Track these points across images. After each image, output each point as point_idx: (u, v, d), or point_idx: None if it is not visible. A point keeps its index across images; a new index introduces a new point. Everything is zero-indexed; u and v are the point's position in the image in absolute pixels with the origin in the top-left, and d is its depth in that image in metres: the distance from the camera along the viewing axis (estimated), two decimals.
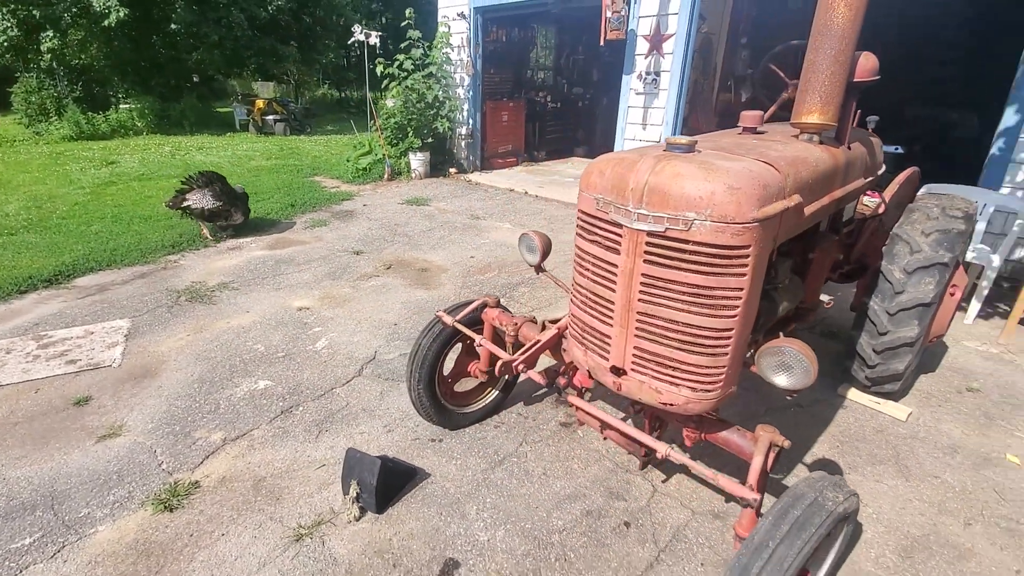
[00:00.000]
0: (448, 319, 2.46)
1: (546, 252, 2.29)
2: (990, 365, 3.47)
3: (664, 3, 6.30)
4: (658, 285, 1.47)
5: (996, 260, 3.89)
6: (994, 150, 4.63)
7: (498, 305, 2.56)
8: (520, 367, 2.05)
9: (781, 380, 1.49)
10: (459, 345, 2.71)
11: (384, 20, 22.45)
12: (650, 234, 1.43)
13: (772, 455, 1.60)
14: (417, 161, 8.60)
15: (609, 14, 6.32)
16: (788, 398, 1.59)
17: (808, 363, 1.43)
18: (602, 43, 6.64)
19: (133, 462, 2.55)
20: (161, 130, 14.45)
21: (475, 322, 2.57)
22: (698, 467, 1.65)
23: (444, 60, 8.47)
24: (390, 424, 2.89)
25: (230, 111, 16.65)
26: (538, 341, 2.13)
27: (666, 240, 1.41)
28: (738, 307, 1.42)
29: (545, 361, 2.57)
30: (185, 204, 5.44)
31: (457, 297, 4.49)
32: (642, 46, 6.60)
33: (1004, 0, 5.82)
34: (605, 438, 2.56)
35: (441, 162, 9.13)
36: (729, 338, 1.47)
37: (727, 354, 1.49)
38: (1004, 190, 4.57)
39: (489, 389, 2.92)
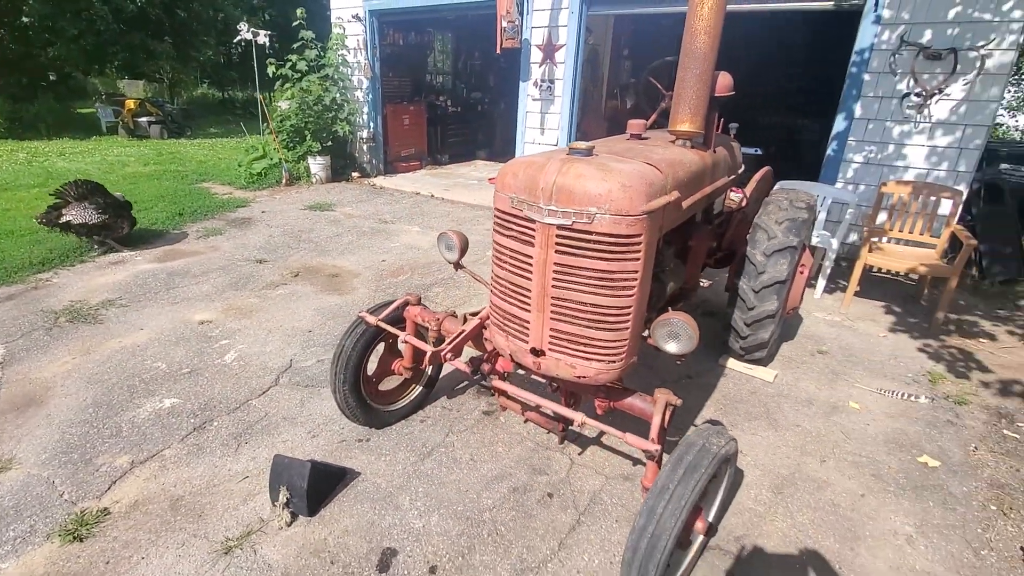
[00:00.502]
0: (371, 319, 2.53)
1: (464, 249, 2.45)
2: (834, 331, 4.16)
3: (554, 15, 6.70)
4: (568, 272, 1.69)
5: (835, 243, 4.65)
6: (829, 151, 5.50)
7: (419, 303, 2.67)
8: (448, 356, 2.19)
9: (671, 347, 1.77)
10: (381, 345, 2.78)
11: (267, 17, 21.26)
12: (559, 227, 1.64)
13: (668, 412, 1.88)
14: (317, 165, 8.35)
15: (504, 24, 6.60)
16: (677, 363, 1.88)
17: (692, 331, 1.72)
18: (499, 51, 6.91)
19: (30, 495, 2.35)
20: (12, 134, 12.65)
21: (397, 320, 2.66)
22: (609, 429, 1.89)
23: (341, 62, 8.31)
24: (314, 430, 2.89)
25: (93, 112, 14.95)
26: (463, 331, 2.28)
27: (573, 232, 1.63)
28: (635, 287, 1.67)
29: (468, 354, 2.72)
30: (64, 220, 4.91)
31: (372, 301, 4.50)
32: (536, 55, 6.96)
33: (830, 27, 6.87)
34: (526, 420, 2.77)
35: (343, 166, 8.94)
36: (629, 315, 1.72)
37: (628, 328, 1.74)
38: (839, 184, 5.45)
39: (413, 386, 3.01)
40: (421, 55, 10.26)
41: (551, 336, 1.81)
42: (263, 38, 8.40)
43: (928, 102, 5.04)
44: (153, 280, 4.73)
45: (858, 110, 5.34)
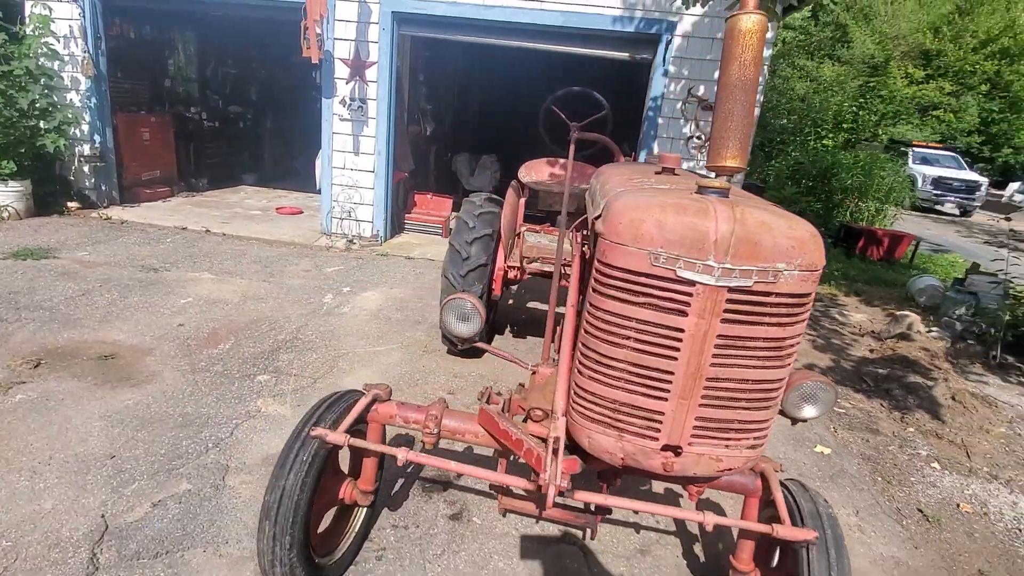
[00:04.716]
0: (335, 436, 1.66)
1: (486, 318, 1.80)
2: None
3: (362, 29, 6.01)
4: (735, 344, 1.32)
5: None
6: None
7: (390, 396, 1.88)
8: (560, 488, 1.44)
9: (809, 411, 1.57)
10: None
11: None
12: (731, 290, 1.26)
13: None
14: (12, 193, 5.73)
15: (318, 30, 5.64)
16: (798, 423, 1.67)
17: (832, 393, 1.55)
18: (312, 59, 5.85)
19: None
20: None
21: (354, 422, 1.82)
22: (741, 523, 1.57)
23: (44, 54, 5.91)
24: None
25: None
26: (510, 433, 1.62)
27: (750, 295, 1.27)
28: (796, 353, 1.40)
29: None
30: None
31: (190, 387, 3.16)
32: (342, 70, 6.14)
33: (631, 62, 7.86)
34: (540, 520, 2.23)
35: (51, 193, 6.38)
36: (783, 386, 1.44)
37: (779, 401, 1.46)
38: None
39: (356, 510, 2.14)
40: (160, 55, 8.08)
41: (697, 427, 1.39)
42: None
43: (706, 144, 6.09)
44: None
45: (656, 148, 6.16)
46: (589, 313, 1.43)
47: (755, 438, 1.44)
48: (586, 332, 1.45)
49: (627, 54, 6.14)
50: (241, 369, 3.45)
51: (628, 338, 1.37)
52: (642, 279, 1.31)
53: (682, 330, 1.31)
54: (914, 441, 3.68)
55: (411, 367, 3.75)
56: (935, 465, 3.43)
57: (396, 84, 6.33)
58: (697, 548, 2.42)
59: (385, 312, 4.67)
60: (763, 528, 1.52)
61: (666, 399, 1.38)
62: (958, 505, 3.06)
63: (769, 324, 1.31)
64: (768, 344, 1.33)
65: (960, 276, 6.72)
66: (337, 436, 1.65)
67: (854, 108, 14.23)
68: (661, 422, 1.40)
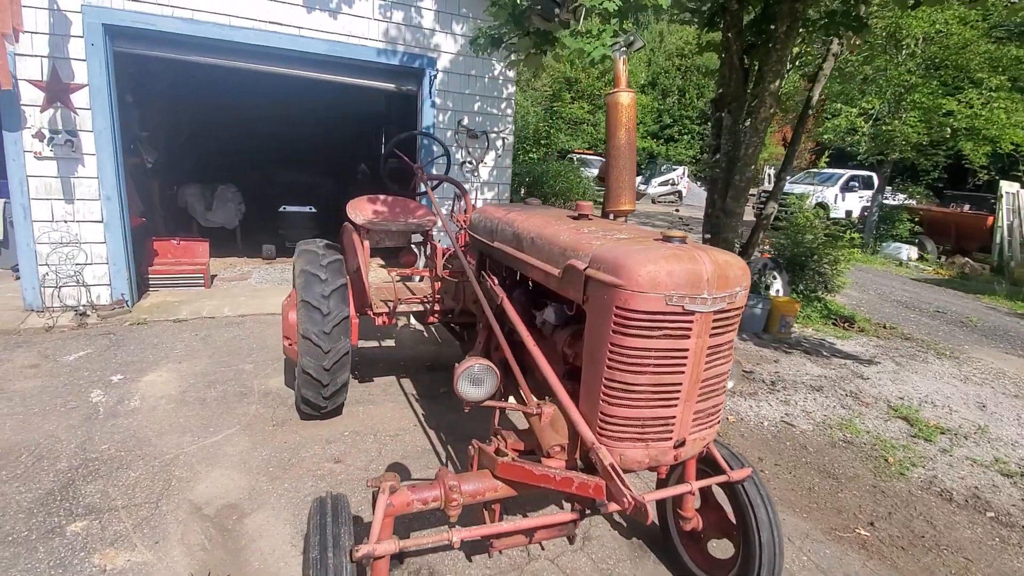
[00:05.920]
0: (385, 546, 1.54)
1: (499, 375, 1.86)
2: None
3: (58, 44, 4.70)
4: (717, 351, 1.77)
5: None
6: None
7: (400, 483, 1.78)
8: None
9: (729, 383, 2.15)
10: None
11: None
12: (716, 312, 1.71)
13: None
14: None
15: (9, 47, 4.13)
16: None
17: (736, 366, 2.16)
18: None
19: None
20: None
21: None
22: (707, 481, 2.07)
23: None
24: None
25: None
26: (604, 469, 1.75)
27: (724, 313, 1.74)
28: None
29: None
30: None
31: None
32: (32, 94, 4.68)
33: (398, 93, 7.85)
34: (531, 543, 2.35)
35: None
36: None
37: None
38: None
39: None
40: None
41: (695, 419, 1.81)
42: None
43: (478, 167, 6.77)
44: None
45: (434, 173, 6.52)
46: (613, 351, 1.70)
47: (719, 415, 1.95)
48: (610, 367, 1.72)
49: (393, 85, 6.31)
50: (31, 525, 2.50)
51: (648, 365, 1.70)
52: (658, 316, 1.66)
53: (687, 349, 1.71)
54: None
55: (271, 449, 3.28)
56: None
57: (119, 111, 5.13)
58: (617, 518, 2.91)
59: (193, 394, 3.87)
60: (723, 479, 2.06)
61: (677, 404, 1.76)
62: (728, 418, 4.33)
63: (729, 331, 1.81)
64: (728, 345, 1.84)
65: None
66: (387, 546, 1.53)
67: (546, 127, 17.30)
68: (674, 424, 1.78)
